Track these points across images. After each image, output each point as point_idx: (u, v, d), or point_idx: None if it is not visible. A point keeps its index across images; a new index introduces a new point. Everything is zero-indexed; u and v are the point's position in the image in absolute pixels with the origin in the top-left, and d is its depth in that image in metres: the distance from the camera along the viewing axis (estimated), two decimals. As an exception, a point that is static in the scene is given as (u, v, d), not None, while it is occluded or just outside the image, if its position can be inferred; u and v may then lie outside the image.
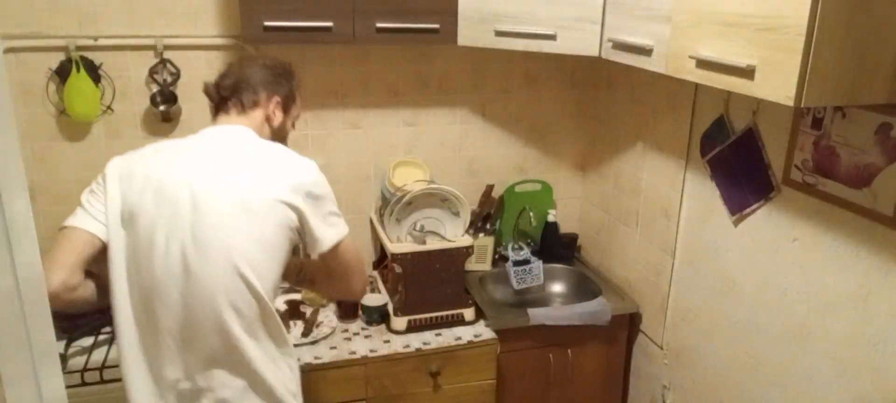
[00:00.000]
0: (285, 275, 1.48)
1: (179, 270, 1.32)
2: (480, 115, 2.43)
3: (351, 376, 1.93)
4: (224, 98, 1.51)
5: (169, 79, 2.09)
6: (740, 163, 1.74)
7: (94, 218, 1.38)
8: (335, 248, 1.45)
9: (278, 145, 1.51)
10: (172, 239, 1.32)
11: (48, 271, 1.27)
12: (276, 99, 1.54)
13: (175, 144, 1.45)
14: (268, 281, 1.37)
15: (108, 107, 2.07)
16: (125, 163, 1.40)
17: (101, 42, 2.02)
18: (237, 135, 1.46)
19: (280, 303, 2.07)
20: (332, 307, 2.16)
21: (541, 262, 2.34)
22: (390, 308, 2.08)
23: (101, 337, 1.89)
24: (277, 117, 1.56)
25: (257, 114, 1.53)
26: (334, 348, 1.97)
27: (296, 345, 1.95)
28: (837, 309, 1.49)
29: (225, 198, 1.34)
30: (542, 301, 2.37)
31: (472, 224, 2.26)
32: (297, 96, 1.63)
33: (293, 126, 1.66)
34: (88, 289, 1.37)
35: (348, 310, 2.10)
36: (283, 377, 1.42)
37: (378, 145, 2.35)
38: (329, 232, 1.44)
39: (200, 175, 1.36)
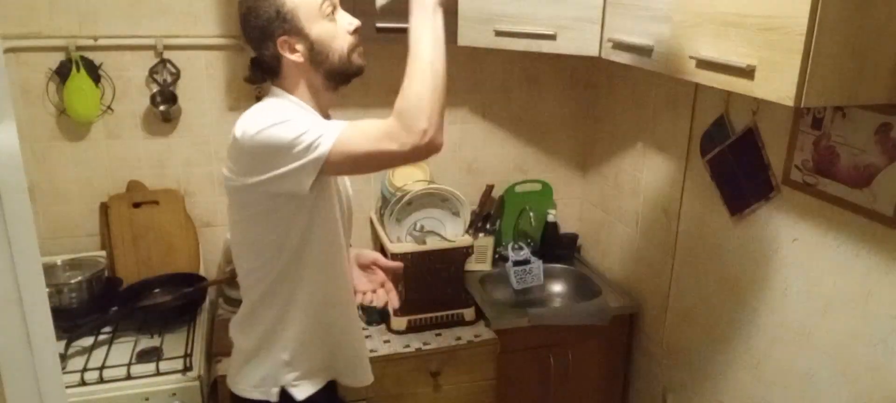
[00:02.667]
0: None
1: None
2: (480, 115, 2.43)
3: (351, 376, 1.93)
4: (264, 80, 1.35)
5: (169, 79, 2.09)
6: (740, 163, 1.74)
7: None
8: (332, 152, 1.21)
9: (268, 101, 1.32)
10: None
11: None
12: (281, 40, 1.27)
13: None
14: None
15: (108, 107, 2.07)
16: None
17: (101, 42, 2.02)
18: None
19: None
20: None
21: (541, 262, 2.34)
22: (390, 308, 2.08)
23: (101, 337, 1.89)
24: (299, 52, 1.28)
25: (288, 70, 1.31)
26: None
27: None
28: (837, 309, 1.48)
29: None
30: (542, 301, 2.37)
31: (472, 224, 2.26)
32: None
33: (336, 30, 1.30)
34: None
35: (348, 310, 2.10)
36: None
37: (378, 145, 2.35)
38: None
39: None
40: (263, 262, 1.35)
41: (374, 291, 1.57)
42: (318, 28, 1.27)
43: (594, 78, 2.46)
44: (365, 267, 1.61)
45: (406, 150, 1.20)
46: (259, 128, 1.19)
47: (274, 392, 1.41)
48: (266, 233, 1.31)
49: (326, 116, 1.39)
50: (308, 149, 1.17)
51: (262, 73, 1.34)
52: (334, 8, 1.31)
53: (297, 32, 1.26)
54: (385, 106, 2.33)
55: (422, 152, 1.22)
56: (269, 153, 1.19)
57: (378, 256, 1.62)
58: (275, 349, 1.40)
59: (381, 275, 1.59)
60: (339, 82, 1.36)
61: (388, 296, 1.57)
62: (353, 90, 2.26)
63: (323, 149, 1.17)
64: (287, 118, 1.20)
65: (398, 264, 1.62)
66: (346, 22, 1.32)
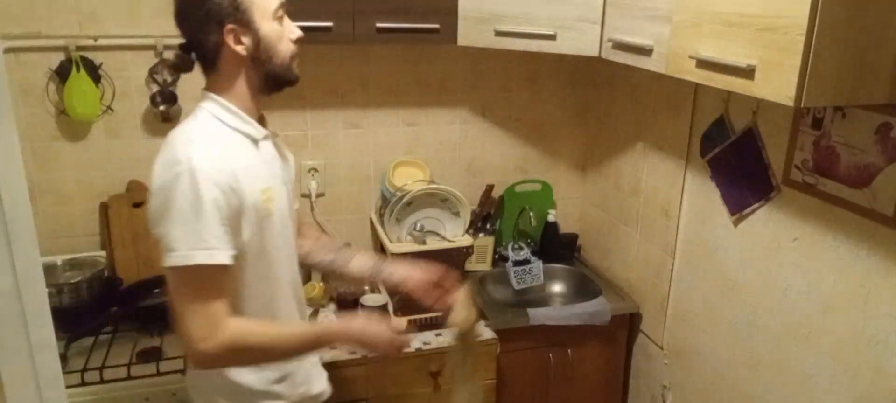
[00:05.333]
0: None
1: None
2: (480, 115, 2.43)
3: (351, 376, 1.93)
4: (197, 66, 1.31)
5: (169, 79, 2.09)
6: (740, 163, 1.74)
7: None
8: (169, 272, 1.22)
9: (182, 131, 1.26)
10: None
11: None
12: (227, 28, 1.23)
13: None
14: None
15: (108, 107, 2.07)
16: None
17: (101, 42, 2.02)
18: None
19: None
20: (331, 307, 2.17)
21: (541, 262, 2.34)
22: (390, 308, 2.08)
23: (102, 337, 1.89)
24: (244, 45, 1.25)
25: (227, 64, 1.27)
26: (334, 348, 1.96)
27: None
28: (837, 309, 1.49)
29: None
30: (542, 301, 2.37)
31: (472, 224, 2.26)
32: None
33: (283, 35, 1.29)
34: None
35: (348, 310, 2.10)
36: None
37: (378, 145, 2.35)
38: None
39: None
40: None
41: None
42: (267, 27, 1.26)
43: (594, 78, 2.46)
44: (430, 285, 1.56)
45: (188, 348, 1.23)
46: (158, 190, 1.20)
47: None
48: None
49: (261, 121, 1.36)
50: (166, 246, 1.19)
51: (196, 61, 1.30)
52: (283, 15, 1.31)
53: (247, 25, 1.24)
54: (383, 105, 2.36)
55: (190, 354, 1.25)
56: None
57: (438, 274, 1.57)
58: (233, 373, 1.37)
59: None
60: (272, 89, 1.33)
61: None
62: (353, 90, 2.28)
63: (172, 261, 1.18)
64: (184, 204, 1.18)
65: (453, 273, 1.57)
66: (291, 29, 1.32)
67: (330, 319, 2.09)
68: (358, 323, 1.38)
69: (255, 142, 1.32)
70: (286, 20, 1.32)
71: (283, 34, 1.30)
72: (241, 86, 1.29)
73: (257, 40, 1.25)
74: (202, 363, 1.26)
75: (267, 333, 1.29)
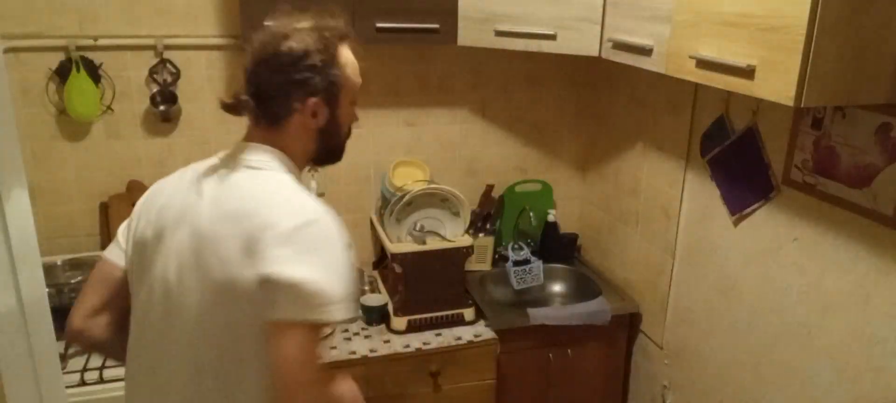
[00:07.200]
0: None
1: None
2: (480, 115, 2.43)
3: (351, 376, 1.93)
4: (251, 111, 1.20)
5: (169, 79, 2.09)
6: (740, 163, 1.74)
7: (119, 247, 1.29)
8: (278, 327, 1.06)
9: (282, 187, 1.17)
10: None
11: (73, 309, 1.25)
12: (312, 101, 1.17)
13: (199, 167, 1.24)
14: None
15: (108, 107, 2.07)
16: (156, 185, 1.27)
17: (101, 42, 2.02)
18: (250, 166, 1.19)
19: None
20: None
21: (541, 262, 2.34)
22: (390, 308, 2.08)
23: (101, 337, 1.89)
24: (318, 119, 1.20)
25: (293, 128, 1.20)
26: (334, 348, 1.97)
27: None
28: (837, 309, 1.49)
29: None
30: (542, 301, 2.37)
31: (472, 224, 2.26)
32: (346, 76, 1.21)
33: (351, 119, 1.27)
34: (100, 328, 1.27)
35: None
36: None
37: (378, 145, 2.35)
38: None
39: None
40: None
41: None
42: (345, 109, 1.24)
43: (594, 78, 2.46)
44: None
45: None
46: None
47: None
48: None
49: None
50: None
51: (258, 113, 1.19)
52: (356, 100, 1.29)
53: (331, 104, 1.20)
54: (382, 106, 2.35)
55: None
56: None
57: None
58: None
59: None
60: (321, 161, 1.30)
61: None
62: (353, 90, 2.28)
63: (331, 314, 1.09)
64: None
65: None
66: (354, 114, 1.29)
67: None
68: None
69: None
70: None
71: (351, 119, 1.28)
72: (300, 149, 1.23)
73: (332, 118, 1.21)
74: None
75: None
